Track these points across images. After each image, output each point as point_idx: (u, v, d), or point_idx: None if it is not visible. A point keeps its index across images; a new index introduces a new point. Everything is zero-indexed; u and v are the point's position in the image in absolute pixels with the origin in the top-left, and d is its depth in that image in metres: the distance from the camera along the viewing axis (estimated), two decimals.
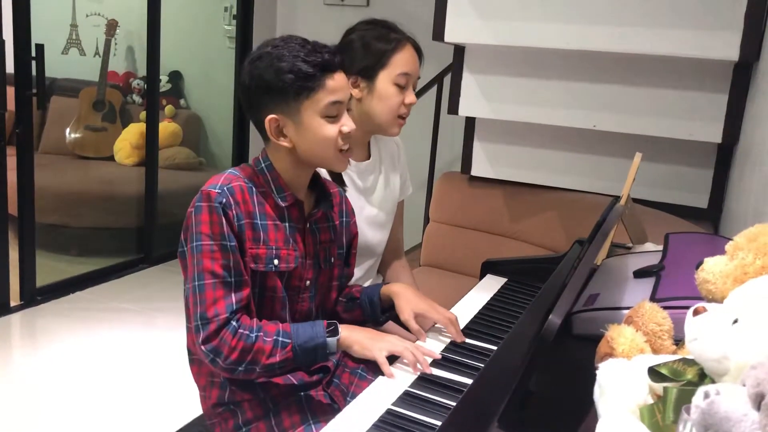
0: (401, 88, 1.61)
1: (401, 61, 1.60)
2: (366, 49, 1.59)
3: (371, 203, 1.74)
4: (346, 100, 1.28)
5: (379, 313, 1.44)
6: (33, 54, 3.11)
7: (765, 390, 0.50)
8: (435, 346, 1.33)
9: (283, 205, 1.29)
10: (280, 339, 1.21)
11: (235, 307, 1.20)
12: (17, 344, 3.00)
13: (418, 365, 1.21)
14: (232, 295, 1.20)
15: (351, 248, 1.49)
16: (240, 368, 1.20)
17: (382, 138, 1.79)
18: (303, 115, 1.24)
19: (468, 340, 1.37)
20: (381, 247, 1.80)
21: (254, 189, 1.27)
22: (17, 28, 3.04)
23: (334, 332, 1.24)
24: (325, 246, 1.39)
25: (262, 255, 1.25)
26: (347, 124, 1.27)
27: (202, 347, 1.19)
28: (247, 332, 1.19)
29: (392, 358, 1.24)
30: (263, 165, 1.30)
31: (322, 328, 1.24)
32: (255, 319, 1.24)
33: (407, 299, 1.39)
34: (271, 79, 1.22)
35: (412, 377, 1.19)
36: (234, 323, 1.19)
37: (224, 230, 1.20)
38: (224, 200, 1.21)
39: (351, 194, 1.67)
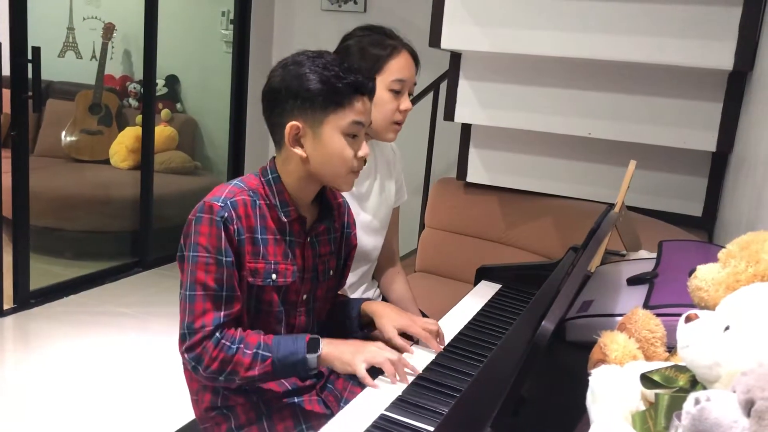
0: (396, 93, 1.61)
1: (396, 67, 1.60)
2: (362, 54, 1.59)
3: (366, 209, 1.74)
4: (368, 124, 1.29)
5: (356, 328, 1.43)
6: (29, 56, 3.10)
7: (755, 396, 0.51)
8: (424, 356, 1.32)
9: (286, 220, 1.28)
10: (261, 352, 1.21)
11: (222, 321, 1.20)
12: (10, 348, 2.98)
13: (398, 376, 1.20)
14: (222, 309, 1.21)
15: (348, 259, 1.49)
16: (220, 378, 1.21)
17: (379, 144, 1.79)
18: (324, 128, 1.24)
19: (462, 346, 1.37)
20: (376, 252, 1.80)
21: (257, 201, 1.27)
22: (14, 30, 3.04)
23: (315, 348, 1.21)
24: (325, 259, 1.38)
25: (260, 269, 1.25)
26: (364, 149, 1.28)
27: (185, 355, 1.20)
28: (228, 343, 1.20)
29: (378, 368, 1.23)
30: (270, 176, 1.29)
31: (304, 344, 1.22)
32: (239, 330, 1.23)
33: (388, 318, 1.37)
34: (301, 86, 1.22)
35: (406, 383, 1.19)
36: (218, 335, 1.20)
37: (222, 245, 1.20)
38: (226, 214, 1.21)
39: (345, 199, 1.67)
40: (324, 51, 1.29)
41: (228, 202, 1.22)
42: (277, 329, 1.30)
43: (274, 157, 1.32)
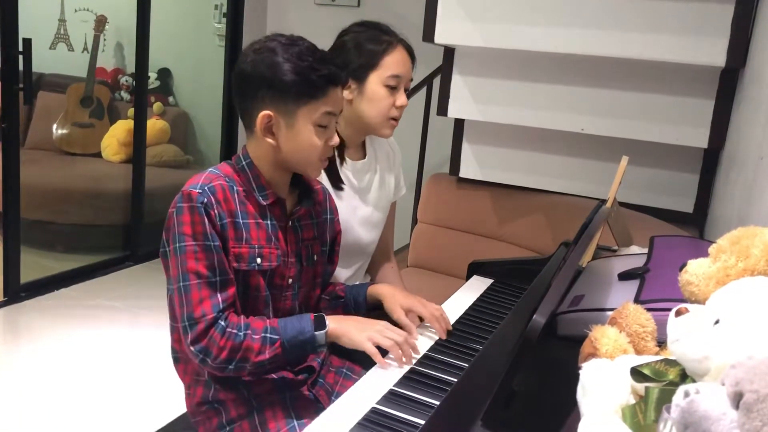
0: (392, 89, 1.60)
1: (392, 62, 1.60)
2: (358, 50, 1.59)
3: (366, 202, 1.74)
4: (339, 112, 1.29)
5: (363, 311, 1.45)
6: (20, 48, 3.08)
7: (744, 389, 0.51)
8: (422, 342, 1.34)
9: (265, 203, 1.28)
10: (269, 336, 1.21)
11: (221, 306, 1.20)
12: (0, 341, 2.97)
13: (403, 359, 1.23)
14: (218, 294, 1.20)
15: (334, 245, 1.49)
16: (230, 367, 1.20)
17: (378, 139, 1.79)
18: (297, 118, 1.24)
19: (453, 340, 1.38)
20: (372, 246, 1.80)
21: (235, 187, 1.26)
22: (4, 21, 3.02)
23: (322, 325, 1.24)
24: (308, 243, 1.39)
25: (244, 254, 1.25)
26: (334, 138, 1.29)
27: (191, 348, 1.19)
28: (235, 331, 1.19)
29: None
30: (244, 163, 1.30)
31: (310, 322, 1.24)
32: (242, 317, 1.23)
33: (396, 298, 1.41)
34: (275, 76, 1.21)
35: (397, 376, 1.20)
36: (222, 322, 1.19)
37: (207, 230, 1.20)
38: (205, 200, 1.20)
39: (347, 193, 1.67)
40: (297, 37, 1.27)
41: (206, 188, 1.21)
42: (264, 313, 1.30)
43: (245, 146, 1.32)
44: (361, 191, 1.73)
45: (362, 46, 1.60)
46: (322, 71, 1.22)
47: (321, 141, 1.26)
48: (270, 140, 1.26)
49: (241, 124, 4.19)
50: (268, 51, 1.23)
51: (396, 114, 1.63)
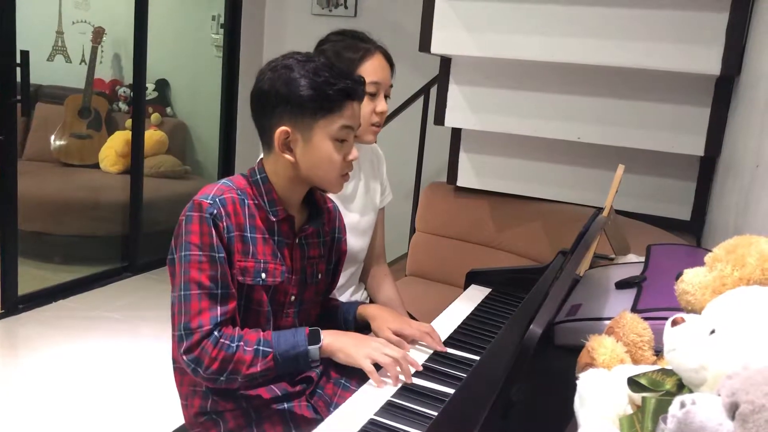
0: (372, 96, 1.62)
1: (370, 69, 1.61)
2: (337, 58, 1.60)
3: (351, 210, 1.75)
4: (357, 127, 1.29)
5: (352, 331, 1.45)
6: (18, 60, 3.09)
7: (739, 399, 0.51)
8: (418, 356, 1.33)
9: (274, 219, 1.28)
10: (261, 348, 1.21)
11: (219, 320, 1.20)
12: None
13: (401, 377, 1.21)
14: (218, 307, 1.20)
15: (338, 264, 1.50)
16: (221, 378, 1.20)
17: (361, 146, 1.79)
18: (314, 133, 1.24)
19: (451, 350, 1.37)
20: (363, 254, 1.81)
21: (246, 201, 1.27)
22: (2, 33, 3.03)
23: (316, 340, 1.24)
24: (313, 262, 1.39)
25: (250, 268, 1.25)
26: (352, 152, 1.29)
27: (184, 357, 1.19)
28: (228, 342, 1.19)
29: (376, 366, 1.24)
30: (258, 177, 1.30)
31: (304, 336, 1.24)
32: (237, 328, 1.23)
33: (383, 319, 1.40)
34: (291, 91, 1.22)
35: (395, 387, 1.19)
36: (216, 334, 1.19)
37: (214, 241, 1.20)
38: (215, 211, 1.21)
39: None
40: (314, 54, 1.29)
41: (217, 200, 1.22)
42: (265, 329, 1.30)
43: (261, 159, 1.32)
44: (345, 199, 1.73)
45: (340, 55, 1.61)
46: (338, 85, 1.22)
47: (339, 156, 1.26)
48: (288, 156, 1.26)
49: (239, 133, 4.21)
50: (284, 68, 1.24)
51: (377, 120, 1.65)
